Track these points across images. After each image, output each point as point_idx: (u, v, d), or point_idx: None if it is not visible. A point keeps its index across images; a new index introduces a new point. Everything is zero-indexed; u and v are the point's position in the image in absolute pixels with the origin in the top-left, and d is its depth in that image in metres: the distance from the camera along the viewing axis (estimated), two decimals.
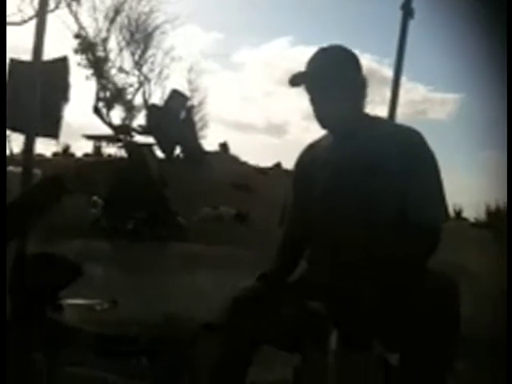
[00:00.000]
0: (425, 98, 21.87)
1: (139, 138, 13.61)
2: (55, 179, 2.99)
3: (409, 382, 1.64)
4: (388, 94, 3.92)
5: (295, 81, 1.86)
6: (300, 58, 23.14)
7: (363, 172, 1.77)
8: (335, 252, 1.81)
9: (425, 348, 1.60)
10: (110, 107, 13.84)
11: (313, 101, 1.86)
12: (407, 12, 3.94)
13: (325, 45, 1.88)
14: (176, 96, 13.28)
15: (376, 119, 1.94)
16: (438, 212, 1.77)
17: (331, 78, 1.82)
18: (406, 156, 1.75)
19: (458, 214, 11.52)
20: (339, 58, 1.87)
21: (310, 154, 1.98)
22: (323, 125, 1.87)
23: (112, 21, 13.85)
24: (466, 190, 10.69)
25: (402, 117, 1.82)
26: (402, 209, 1.74)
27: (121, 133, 13.66)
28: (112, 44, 14.15)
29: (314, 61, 1.87)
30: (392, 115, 3.88)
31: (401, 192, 1.74)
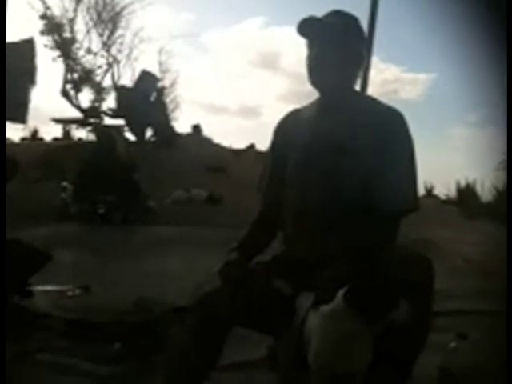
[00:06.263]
0: (397, 78, 22.00)
1: (109, 121, 13.46)
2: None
3: (383, 357, 1.64)
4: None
5: (305, 30, 1.79)
6: (274, 38, 23.00)
7: (338, 147, 1.76)
8: (304, 224, 1.81)
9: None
10: (78, 90, 13.54)
11: (313, 55, 1.81)
12: None
13: None
14: (146, 77, 13.09)
15: (361, 95, 1.91)
16: (402, 196, 1.73)
17: (340, 40, 1.78)
18: (383, 136, 1.73)
19: (429, 191, 11.66)
20: (353, 25, 1.84)
21: (291, 121, 1.95)
22: (313, 80, 1.82)
23: (79, 1, 13.54)
24: (436, 167, 10.82)
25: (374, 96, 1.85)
26: (371, 188, 1.72)
27: (90, 116, 13.45)
28: (79, 25, 13.89)
29: (328, 17, 1.82)
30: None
31: (372, 171, 1.72)
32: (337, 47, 1.79)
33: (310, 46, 1.83)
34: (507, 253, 2.46)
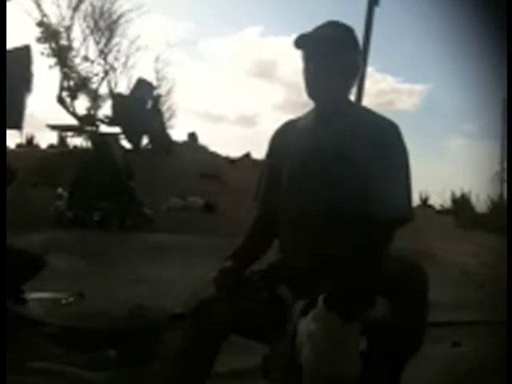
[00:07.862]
0: (393, 89, 22.19)
1: (105, 128, 13.46)
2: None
3: (375, 366, 1.65)
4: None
5: (300, 43, 1.82)
6: (270, 48, 23.15)
7: (335, 157, 1.77)
8: (300, 231, 1.82)
9: (391, 334, 1.62)
10: (74, 97, 13.57)
11: (311, 68, 1.82)
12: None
13: (294, 34, 1.83)
14: (142, 85, 13.13)
15: (356, 106, 1.93)
16: (396, 206, 1.74)
17: (337, 52, 1.80)
18: (379, 147, 1.75)
19: (425, 201, 11.72)
20: (348, 36, 1.86)
21: (288, 130, 1.96)
22: (312, 93, 1.84)
23: (76, 8, 13.60)
24: (431, 177, 10.90)
25: (370, 107, 1.86)
26: (365, 198, 1.74)
27: (86, 123, 13.45)
28: (76, 32, 13.93)
29: (323, 28, 1.83)
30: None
31: (366, 181, 1.74)
32: (334, 60, 1.81)
33: (307, 59, 1.85)
34: (507, 263, 2.47)
